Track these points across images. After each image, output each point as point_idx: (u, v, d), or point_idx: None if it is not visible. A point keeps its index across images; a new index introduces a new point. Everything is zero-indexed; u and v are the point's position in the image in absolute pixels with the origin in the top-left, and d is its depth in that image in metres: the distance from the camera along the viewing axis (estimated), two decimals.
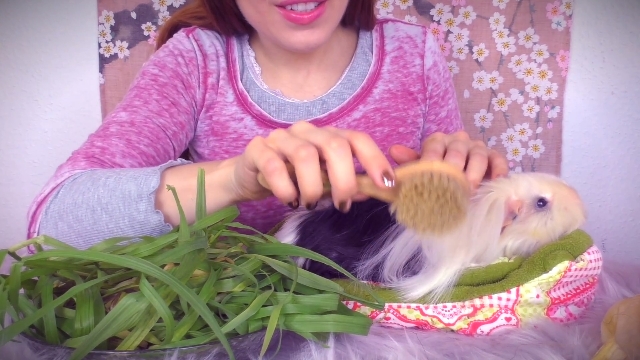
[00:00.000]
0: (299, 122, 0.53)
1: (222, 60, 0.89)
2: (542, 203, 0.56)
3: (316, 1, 0.75)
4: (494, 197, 0.55)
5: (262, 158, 0.50)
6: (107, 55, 1.36)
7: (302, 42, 0.78)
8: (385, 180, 0.47)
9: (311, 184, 0.48)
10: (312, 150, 0.48)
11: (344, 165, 0.47)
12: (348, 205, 0.49)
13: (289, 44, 0.79)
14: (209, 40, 0.89)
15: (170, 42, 0.89)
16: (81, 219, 0.64)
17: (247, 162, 0.52)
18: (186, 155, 0.97)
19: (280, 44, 0.80)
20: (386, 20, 0.95)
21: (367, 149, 0.49)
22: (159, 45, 0.94)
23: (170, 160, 0.66)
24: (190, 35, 0.89)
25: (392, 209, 0.48)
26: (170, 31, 0.94)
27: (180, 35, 0.90)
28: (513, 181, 0.57)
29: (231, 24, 0.86)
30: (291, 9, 0.75)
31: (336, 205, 0.49)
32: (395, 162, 0.61)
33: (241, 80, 0.89)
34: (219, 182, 0.59)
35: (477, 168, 0.55)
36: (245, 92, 0.88)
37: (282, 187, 0.49)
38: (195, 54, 0.87)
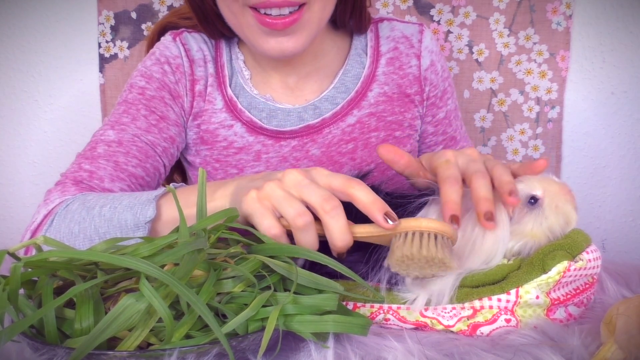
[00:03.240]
0: (289, 171, 0.55)
1: (210, 65, 0.86)
2: (533, 201, 0.57)
3: (292, 6, 0.72)
4: None
5: (262, 223, 0.54)
6: (107, 55, 1.36)
7: (277, 49, 0.75)
8: (389, 220, 0.51)
9: (310, 248, 0.53)
10: (308, 219, 0.53)
11: (338, 226, 0.52)
12: (345, 255, 0.54)
13: (262, 50, 0.76)
14: (197, 45, 0.86)
15: (157, 48, 0.87)
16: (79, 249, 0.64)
17: (243, 215, 0.56)
18: (177, 163, 0.95)
19: (256, 50, 0.78)
20: (381, 20, 0.91)
21: (364, 196, 0.53)
22: (148, 48, 0.93)
23: (163, 188, 0.66)
24: (177, 39, 0.86)
25: (386, 264, 0.53)
26: (159, 34, 0.92)
27: (167, 39, 0.87)
28: None
29: (216, 26, 0.83)
30: (265, 13, 0.72)
31: (335, 255, 0.54)
32: (384, 161, 0.63)
33: (230, 85, 0.86)
34: (212, 210, 0.59)
35: (504, 172, 0.56)
36: (235, 98, 0.85)
37: None
38: (182, 60, 0.85)
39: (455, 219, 0.54)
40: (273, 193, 0.54)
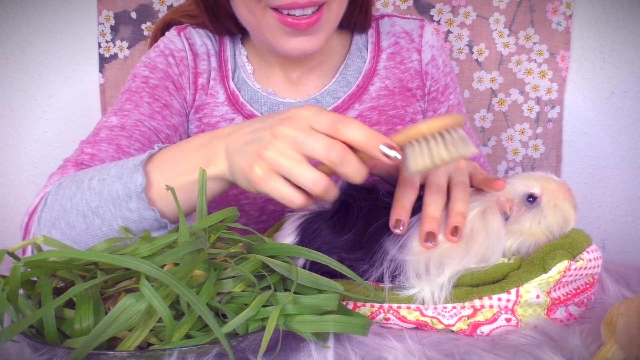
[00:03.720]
0: (278, 130, 0.52)
1: (214, 59, 0.87)
2: (532, 199, 0.57)
3: (315, 6, 0.72)
4: (484, 202, 0.56)
5: (289, 202, 0.52)
6: (107, 55, 1.36)
7: (298, 49, 0.76)
8: (394, 153, 0.50)
9: (327, 196, 0.52)
10: (325, 183, 0.51)
11: (352, 169, 0.51)
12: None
13: (283, 50, 0.77)
14: (200, 40, 0.88)
15: (162, 42, 0.88)
16: (74, 225, 0.63)
17: (249, 185, 0.54)
18: None
19: (275, 50, 0.78)
20: (382, 16, 0.92)
21: (358, 135, 0.50)
22: (151, 44, 0.93)
23: (148, 151, 0.63)
24: (181, 34, 0.88)
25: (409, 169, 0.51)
26: (162, 30, 0.93)
27: (171, 33, 0.88)
28: None
29: (225, 25, 0.84)
30: (288, 14, 0.73)
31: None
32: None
33: (232, 79, 0.87)
34: (215, 176, 0.58)
35: (461, 198, 0.56)
36: (237, 92, 0.86)
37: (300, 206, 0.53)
38: (186, 54, 0.86)
39: (398, 223, 0.55)
40: (278, 165, 0.52)
